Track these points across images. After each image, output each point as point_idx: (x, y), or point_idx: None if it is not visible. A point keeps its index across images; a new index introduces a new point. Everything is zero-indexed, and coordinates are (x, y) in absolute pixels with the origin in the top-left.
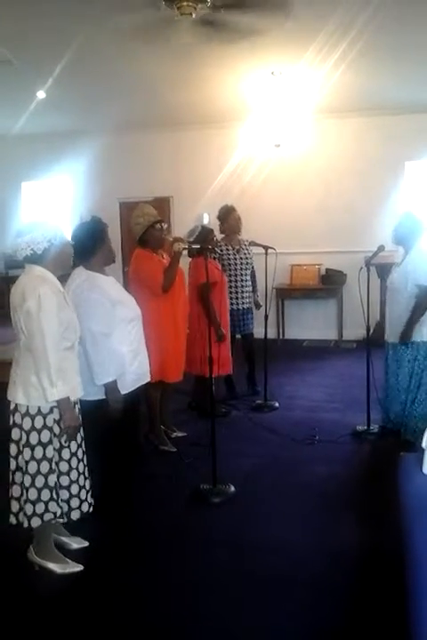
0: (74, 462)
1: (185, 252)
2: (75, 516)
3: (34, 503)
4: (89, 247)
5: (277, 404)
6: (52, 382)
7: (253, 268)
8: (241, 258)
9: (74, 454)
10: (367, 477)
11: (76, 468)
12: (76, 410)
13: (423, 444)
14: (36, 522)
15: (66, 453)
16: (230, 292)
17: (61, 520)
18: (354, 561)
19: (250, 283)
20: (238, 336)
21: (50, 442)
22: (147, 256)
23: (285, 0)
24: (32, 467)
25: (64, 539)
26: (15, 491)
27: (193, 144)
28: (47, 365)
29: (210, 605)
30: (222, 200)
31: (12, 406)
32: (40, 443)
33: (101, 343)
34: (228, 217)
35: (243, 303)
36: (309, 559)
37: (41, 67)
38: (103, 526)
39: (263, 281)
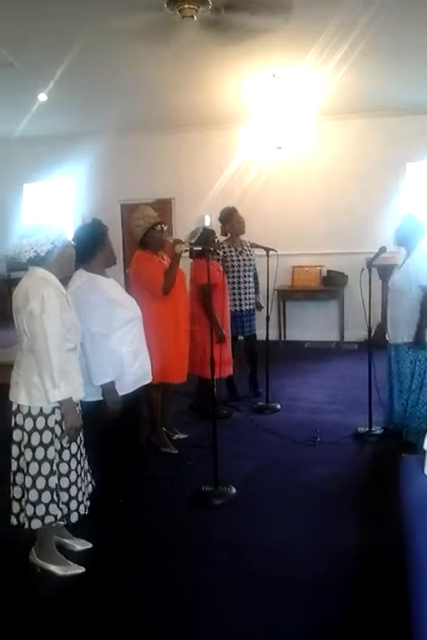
0: (73, 463)
1: (186, 254)
2: (73, 518)
3: (34, 505)
4: (89, 249)
5: (278, 406)
6: (55, 383)
7: (255, 269)
8: (244, 259)
9: (73, 456)
10: (369, 479)
11: (75, 470)
12: (78, 411)
13: (425, 446)
14: (36, 523)
15: (66, 455)
16: (233, 294)
17: (63, 523)
18: (355, 562)
19: (253, 284)
20: (241, 337)
21: (51, 443)
22: (147, 258)
23: (286, 2)
24: (33, 468)
25: (66, 540)
26: (16, 492)
27: (194, 146)
28: (50, 366)
29: (211, 606)
30: (224, 202)
31: (13, 407)
32: (41, 444)
33: (100, 344)
34: (230, 219)
35: (246, 305)
36: (310, 560)
37: (42, 69)
38: (104, 528)
39: (265, 282)
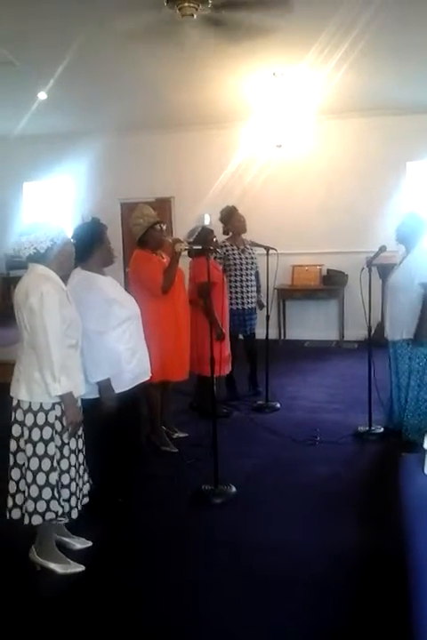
0: (73, 459)
1: (185, 253)
2: (74, 514)
3: (35, 500)
4: (87, 248)
5: (278, 405)
6: (55, 377)
7: (257, 268)
8: (246, 258)
9: (73, 452)
10: (369, 478)
11: (75, 466)
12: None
13: (425, 445)
14: (37, 519)
15: (66, 450)
16: (235, 292)
17: (63, 520)
18: (355, 561)
19: (255, 283)
20: (241, 336)
21: (51, 439)
22: (146, 257)
23: (286, 0)
24: (33, 463)
25: (66, 539)
26: (11, 487)
27: (194, 145)
28: (50, 361)
29: (212, 606)
30: (224, 201)
31: (14, 403)
32: (42, 439)
33: (96, 341)
34: (230, 218)
35: (248, 303)
36: (310, 559)
37: (42, 68)
38: (104, 526)
39: (265, 281)
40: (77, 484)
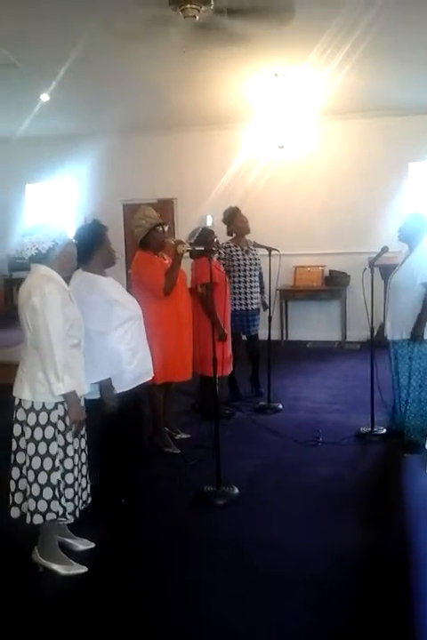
0: (76, 459)
1: (187, 254)
2: (77, 514)
3: (36, 500)
4: (88, 249)
5: (280, 406)
6: (58, 376)
7: (261, 269)
8: (250, 259)
9: (76, 451)
10: (371, 479)
11: (78, 465)
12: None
13: None
14: (38, 519)
15: (70, 450)
16: (239, 293)
17: (69, 519)
18: (358, 561)
19: (258, 284)
20: (244, 337)
21: (54, 438)
22: (148, 259)
23: (288, 1)
24: (35, 462)
25: (69, 540)
26: (11, 485)
27: (197, 146)
28: (53, 360)
29: (214, 606)
30: (226, 201)
31: (16, 402)
32: (44, 439)
33: (96, 342)
34: (233, 219)
35: (251, 304)
36: (312, 559)
37: (45, 69)
38: (107, 528)
39: (267, 282)
40: (80, 484)
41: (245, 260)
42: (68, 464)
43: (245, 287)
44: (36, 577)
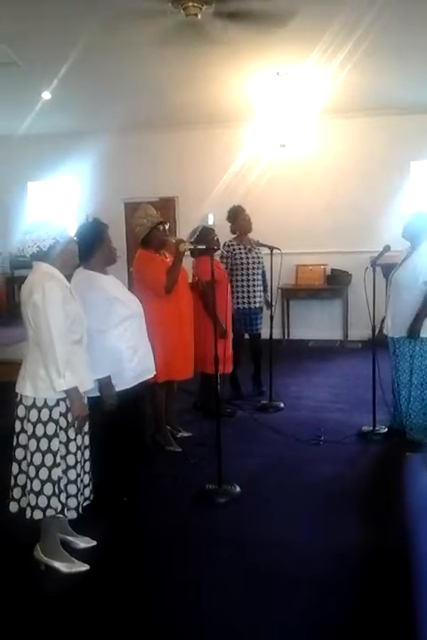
0: (79, 455)
1: (188, 253)
2: (80, 509)
3: (37, 495)
4: (88, 247)
5: (282, 405)
6: (60, 373)
7: (263, 267)
8: (253, 257)
9: (79, 448)
10: (373, 477)
11: (80, 462)
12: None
13: None
14: (38, 514)
15: (73, 446)
16: (243, 292)
17: (72, 515)
18: (359, 560)
19: (261, 282)
20: (247, 336)
21: (55, 435)
22: (149, 257)
23: (290, 4)
24: (37, 458)
25: (71, 538)
26: (11, 481)
27: (198, 144)
28: (54, 357)
29: (216, 604)
30: (228, 200)
31: (17, 398)
32: (45, 435)
33: (96, 339)
34: (237, 217)
35: (254, 303)
36: (314, 558)
37: (46, 68)
38: (109, 525)
39: (269, 281)
40: (83, 480)
41: (248, 258)
42: (71, 460)
43: (248, 285)
44: (38, 574)
